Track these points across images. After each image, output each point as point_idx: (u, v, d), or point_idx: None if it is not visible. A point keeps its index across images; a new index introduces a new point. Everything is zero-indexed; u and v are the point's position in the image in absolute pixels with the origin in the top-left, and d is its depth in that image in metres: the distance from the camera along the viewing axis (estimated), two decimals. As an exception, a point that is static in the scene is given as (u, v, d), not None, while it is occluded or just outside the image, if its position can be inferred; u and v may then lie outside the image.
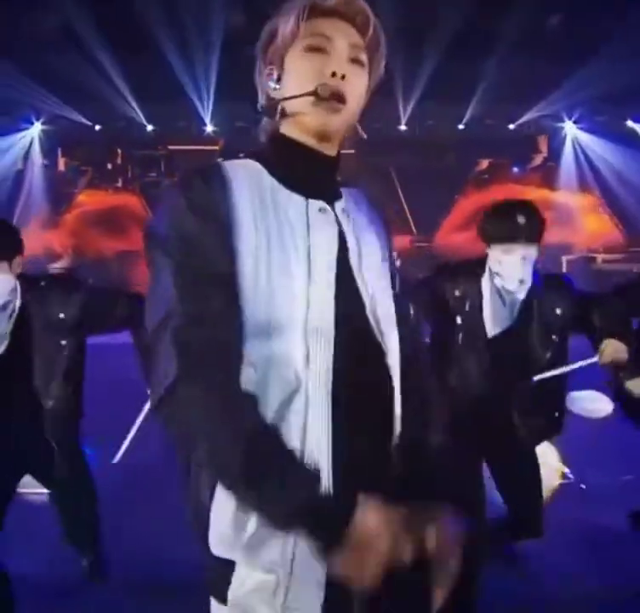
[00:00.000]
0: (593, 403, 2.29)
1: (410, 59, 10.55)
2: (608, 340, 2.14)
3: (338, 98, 1.10)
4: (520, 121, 13.05)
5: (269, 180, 1.13)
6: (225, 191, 1.08)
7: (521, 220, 2.04)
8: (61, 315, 2.24)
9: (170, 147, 14.18)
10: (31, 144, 13.74)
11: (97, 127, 13.38)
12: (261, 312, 1.04)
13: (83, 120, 13.14)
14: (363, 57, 1.16)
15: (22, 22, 10.14)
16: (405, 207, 13.30)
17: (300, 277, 1.07)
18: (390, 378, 1.14)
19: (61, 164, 14.88)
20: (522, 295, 2.14)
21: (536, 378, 2.16)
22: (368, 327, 1.13)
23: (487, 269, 2.16)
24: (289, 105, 1.13)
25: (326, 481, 1.01)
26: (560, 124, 13.51)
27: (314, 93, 1.09)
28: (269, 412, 1.01)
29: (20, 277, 2.21)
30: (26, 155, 13.85)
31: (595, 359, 2.17)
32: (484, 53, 10.27)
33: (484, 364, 2.16)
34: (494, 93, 11.20)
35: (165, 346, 1.00)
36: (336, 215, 1.15)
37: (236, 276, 1.04)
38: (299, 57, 1.14)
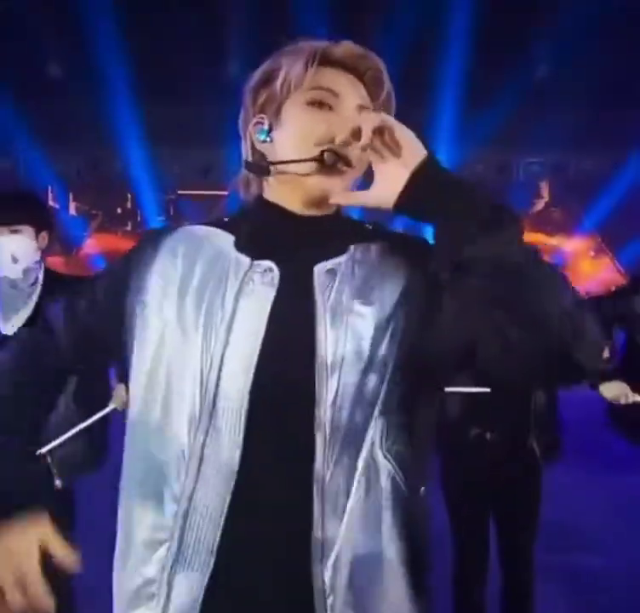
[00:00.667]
0: None
1: (403, 105, 10.97)
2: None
3: (344, 161, 0.96)
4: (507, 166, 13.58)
5: (219, 246, 1.01)
6: (152, 258, 1.01)
7: None
8: None
9: (179, 192, 14.60)
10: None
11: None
12: (158, 393, 0.96)
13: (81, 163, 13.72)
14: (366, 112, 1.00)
15: (26, 68, 10.52)
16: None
17: (200, 350, 0.93)
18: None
19: (72, 208, 15.23)
20: None
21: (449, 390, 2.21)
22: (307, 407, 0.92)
23: None
24: (284, 165, 0.98)
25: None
26: (547, 170, 14.03)
27: (320, 159, 0.95)
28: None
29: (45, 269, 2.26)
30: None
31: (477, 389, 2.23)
32: (476, 100, 10.64)
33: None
34: (483, 139, 11.53)
35: None
36: (306, 278, 0.97)
37: (119, 340, 1.02)
38: (300, 111, 0.98)
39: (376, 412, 0.93)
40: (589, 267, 13.48)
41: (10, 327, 2.16)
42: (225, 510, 0.90)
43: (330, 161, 0.94)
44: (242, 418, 0.90)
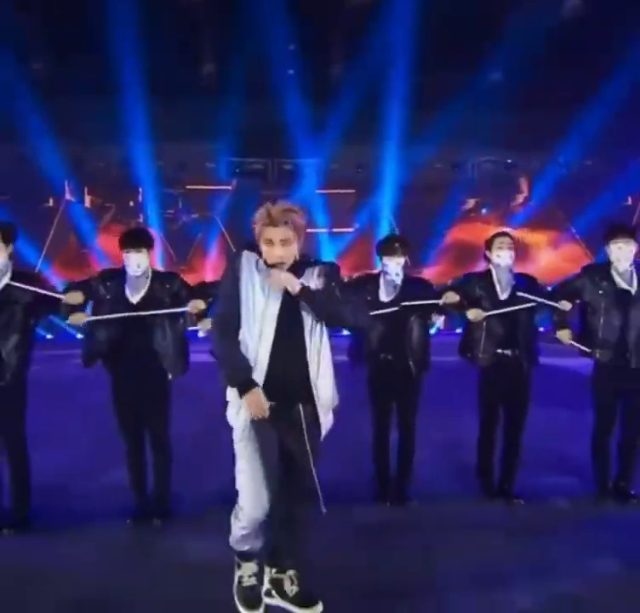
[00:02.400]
0: None
1: (375, 112, 12.41)
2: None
3: (280, 264, 2.80)
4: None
5: (256, 259, 2.84)
6: (241, 265, 2.84)
7: (396, 244, 4.20)
8: (168, 285, 4.06)
9: (188, 187, 15.89)
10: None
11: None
12: (249, 316, 2.82)
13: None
14: (289, 240, 2.79)
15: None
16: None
17: (261, 302, 2.80)
18: (305, 350, 2.84)
19: (87, 201, 16.28)
20: (399, 282, 4.26)
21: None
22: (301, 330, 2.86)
23: (381, 272, 4.32)
24: (265, 255, 2.83)
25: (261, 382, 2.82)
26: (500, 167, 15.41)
27: (274, 266, 2.79)
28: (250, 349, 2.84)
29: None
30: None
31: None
32: (438, 104, 11.94)
33: (385, 318, 4.20)
34: (442, 139, 12.76)
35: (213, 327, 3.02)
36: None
37: (239, 298, 2.83)
38: (263, 244, 2.80)
39: (317, 330, 2.92)
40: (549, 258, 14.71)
41: (135, 300, 3.95)
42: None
43: (277, 268, 2.83)
44: (274, 326, 2.85)
